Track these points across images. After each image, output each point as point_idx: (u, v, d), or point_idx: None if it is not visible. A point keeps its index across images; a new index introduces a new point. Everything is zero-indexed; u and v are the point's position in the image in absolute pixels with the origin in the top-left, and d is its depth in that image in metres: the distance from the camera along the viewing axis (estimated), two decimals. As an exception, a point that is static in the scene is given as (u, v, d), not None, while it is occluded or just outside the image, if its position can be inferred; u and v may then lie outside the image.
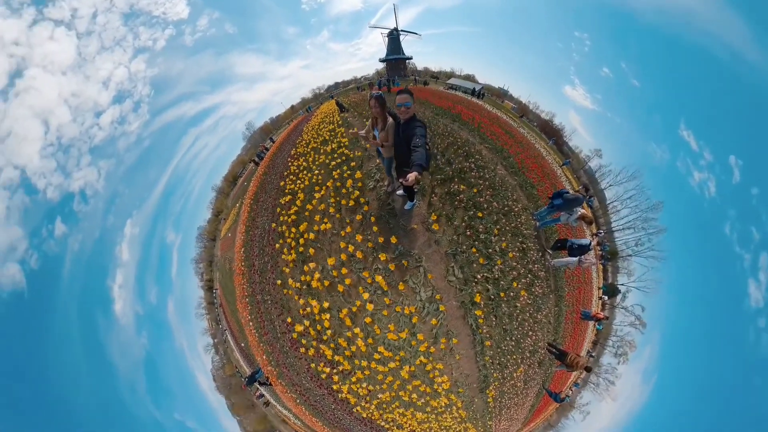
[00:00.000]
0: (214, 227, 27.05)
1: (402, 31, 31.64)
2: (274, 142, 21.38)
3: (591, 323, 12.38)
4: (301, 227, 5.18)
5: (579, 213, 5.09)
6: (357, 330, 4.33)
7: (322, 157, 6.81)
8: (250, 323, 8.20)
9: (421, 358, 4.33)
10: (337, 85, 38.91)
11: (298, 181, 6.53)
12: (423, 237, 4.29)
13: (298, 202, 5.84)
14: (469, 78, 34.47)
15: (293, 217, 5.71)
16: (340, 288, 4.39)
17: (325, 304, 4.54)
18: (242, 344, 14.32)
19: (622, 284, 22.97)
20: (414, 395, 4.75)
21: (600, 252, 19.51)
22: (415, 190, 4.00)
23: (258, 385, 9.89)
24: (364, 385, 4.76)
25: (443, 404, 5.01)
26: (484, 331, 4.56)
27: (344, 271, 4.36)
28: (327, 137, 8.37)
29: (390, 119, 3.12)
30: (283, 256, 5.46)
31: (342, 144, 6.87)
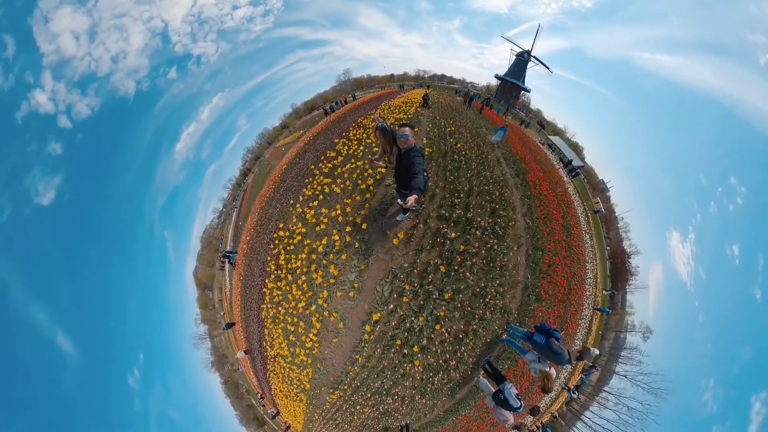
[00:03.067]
0: (276, 135, 31.40)
1: (534, 58, 28.31)
2: (355, 98, 22.98)
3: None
4: (326, 180, 6.81)
5: (546, 369, 4.03)
6: (304, 256, 5.96)
7: (374, 138, 8.12)
8: (257, 213, 10.76)
9: (315, 308, 5.35)
10: (442, 77, 37.51)
11: (347, 147, 8.02)
12: (387, 243, 4.96)
13: (335, 162, 7.41)
14: (576, 148, 28.49)
15: (327, 170, 7.33)
16: (318, 228, 6.02)
17: (303, 230, 6.28)
18: (240, 223, 18.05)
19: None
20: (292, 329, 5.88)
21: (538, 429, 13.51)
22: (413, 208, 4.81)
23: (228, 262, 13.42)
24: (280, 294, 6.21)
25: (301, 360, 5.76)
26: (366, 349, 4.90)
27: (326, 220, 5.94)
28: (389, 123, 9.50)
29: (396, 147, 3.36)
30: (304, 189, 7.27)
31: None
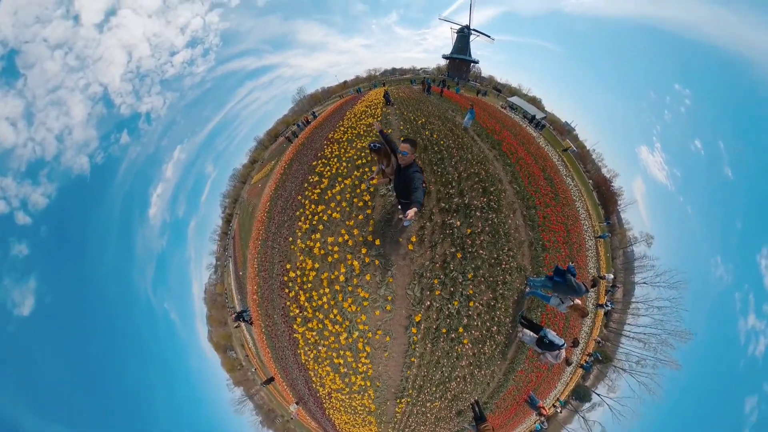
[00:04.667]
0: (247, 172, 30.26)
1: (474, 30, 28.97)
2: (316, 116, 22.25)
3: (534, 414, 10.30)
4: (320, 207, 6.44)
5: (572, 303, 4.71)
6: (327, 290, 5.64)
7: (351, 152, 7.83)
8: (255, 259, 10.14)
9: (358, 334, 5.26)
10: (394, 71, 38.02)
11: (328, 167, 7.66)
12: (402, 250, 5.05)
13: (322, 186, 7.03)
14: (534, 102, 30.22)
15: (315, 196, 6.95)
16: (330, 259, 5.71)
17: (316, 265, 5.91)
18: (240, 273, 16.61)
19: (598, 394, 18.91)
20: (340, 361, 5.68)
21: (589, 357, 15.76)
22: (411, 221, 4.89)
23: (243, 321, 12.31)
24: (314, 334, 5.89)
25: (359, 385, 5.60)
26: (417, 349, 5.02)
27: (336, 249, 5.64)
28: (362, 132, 9.22)
29: (392, 160, 3.47)
30: (299, 223, 6.86)
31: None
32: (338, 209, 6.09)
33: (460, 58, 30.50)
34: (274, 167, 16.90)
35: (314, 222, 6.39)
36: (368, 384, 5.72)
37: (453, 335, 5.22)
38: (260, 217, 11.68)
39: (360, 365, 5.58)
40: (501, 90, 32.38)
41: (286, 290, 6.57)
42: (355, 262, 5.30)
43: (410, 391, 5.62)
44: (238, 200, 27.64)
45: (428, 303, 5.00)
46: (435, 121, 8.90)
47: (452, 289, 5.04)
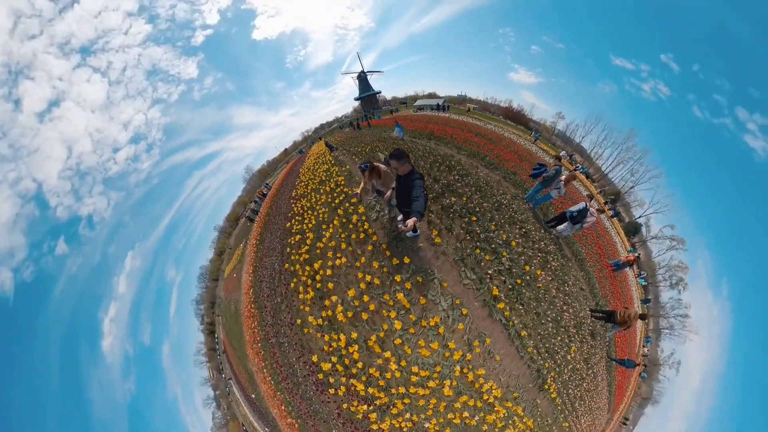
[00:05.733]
0: (217, 267, 26.41)
1: (368, 71, 37.02)
2: (270, 187, 22.02)
3: (631, 275, 11.74)
4: (316, 265, 5.53)
5: (563, 180, 5.59)
6: (388, 354, 4.26)
7: (323, 196, 7.36)
8: (264, 370, 7.80)
9: (458, 368, 4.17)
10: (322, 126, 43.45)
11: (305, 222, 6.97)
12: (430, 252, 4.51)
13: (308, 242, 6.25)
14: (432, 96, 39.15)
15: (305, 256, 6.05)
16: (364, 316, 4.52)
17: (353, 335, 4.55)
18: (252, 395, 13.14)
19: (639, 217, 22.17)
20: (465, 414, 4.21)
21: (604, 202, 18.76)
22: (417, 232, 4.56)
23: None
24: (407, 416, 4.23)
25: (501, 416, 4.41)
26: (515, 322, 4.45)
27: (365, 298, 4.51)
28: (323, 177, 8.96)
29: (382, 167, 3.69)
30: (300, 296, 5.64)
31: (339, 183, 7.49)
32: (339, 255, 5.31)
33: (366, 95, 37.94)
34: (244, 250, 15.17)
35: (318, 285, 5.34)
36: (509, 406, 4.53)
37: (527, 278, 4.99)
38: (248, 312, 9.79)
39: (486, 397, 4.33)
40: (406, 102, 40.15)
41: (331, 390, 4.85)
42: (399, 296, 4.28)
43: (546, 365, 4.91)
44: (216, 302, 23.37)
45: (488, 274, 4.56)
46: (378, 144, 10.03)
47: (493, 246, 4.88)
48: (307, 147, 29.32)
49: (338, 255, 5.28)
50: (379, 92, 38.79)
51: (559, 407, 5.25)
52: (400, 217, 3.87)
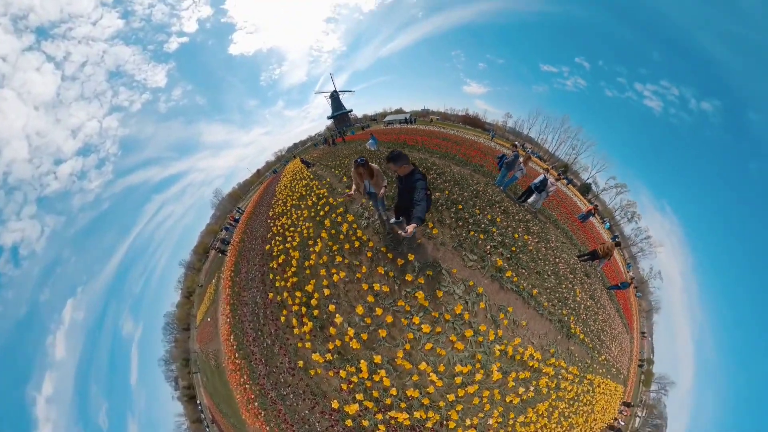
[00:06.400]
0: (186, 312, 21.33)
1: (340, 91, 38.59)
2: (242, 211, 20.11)
3: (596, 223, 15.74)
4: (308, 287, 4.55)
5: (522, 162, 6.87)
6: (423, 365, 3.58)
7: (305, 212, 6.52)
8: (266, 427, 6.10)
9: (496, 347, 4.02)
10: (296, 145, 42.85)
11: (288, 241, 6.01)
12: (430, 245, 4.42)
13: (293, 262, 5.27)
14: (399, 111, 42.59)
15: (293, 279, 5.05)
16: (382, 333, 3.71)
17: (376, 359, 3.67)
18: None
19: (588, 179, 30.91)
20: (521, 390, 4.08)
21: (558, 174, 24.64)
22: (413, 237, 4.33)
23: None
24: (467, 423, 3.72)
25: (551, 375, 4.54)
26: (524, 285, 4.78)
27: (378, 311, 3.77)
28: (303, 192, 8.20)
29: (374, 166, 3.50)
30: (295, 330, 4.57)
31: (322, 196, 6.76)
32: (335, 270, 4.39)
33: (339, 113, 39.48)
34: (217, 286, 13.04)
35: (315, 312, 4.35)
36: (552, 363, 4.65)
37: (519, 245, 5.50)
38: (232, 365, 7.96)
39: (531, 363, 4.28)
40: (376, 119, 43.11)
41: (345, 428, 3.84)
42: (419, 294, 3.79)
43: (563, 313, 5.35)
44: (191, 359, 18.78)
45: (487, 251, 4.78)
46: (354, 156, 11.56)
47: (482, 227, 5.19)
48: (281, 167, 28.12)
49: (333, 271, 4.40)
50: (351, 110, 40.38)
51: (590, 345, 5.86)
52: (392, 219, 3.59)
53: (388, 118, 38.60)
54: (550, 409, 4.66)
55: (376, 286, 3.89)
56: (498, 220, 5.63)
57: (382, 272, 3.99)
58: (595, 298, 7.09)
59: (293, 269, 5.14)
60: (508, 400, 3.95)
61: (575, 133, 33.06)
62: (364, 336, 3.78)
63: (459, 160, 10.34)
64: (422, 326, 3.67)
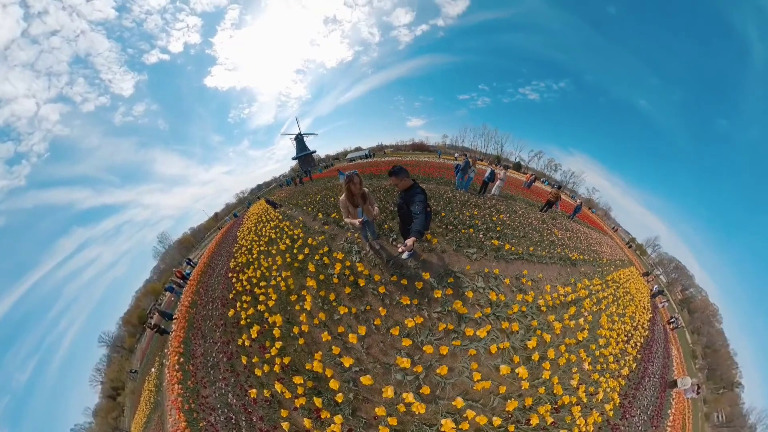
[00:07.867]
0: (111, 427, 12.38)
1: (304, 134, 41.11)
2: (194, 264, 15.82)
3: (537, 184, 21.82)
4: (311, 365, 3.09)
5: (472, 168, 8.65)
6: (503, 370, 2.91)
7: (278, 258, 5.25)
8: None
9: (552, 316, 4.06)
10: (259, 187, 41.12)
11: (259, 302, 4.54)
12: (434, 256, 4.34)
13: (275, 332, 3.82)
14: (359, 149, 46.95)
15: (284, 360, 3.47)
16: (442, 371, 2.78)
17: (458, 404, 2.53)
18: None
19: (516, 159, 43.44)
20: (581, 322, 4.46)
21: (501, 167, 32.52)
22: (413, 252, 4.09)
23: None
24: (573, 384, 3.43)
25: (587, 296, 5.31)
26: (521, 250, 5.33)
27: (428, 349, 2.86)
28: (273, 236, 6.92)
29: (365, 190, 3.22)
30: (296, 402, 3.10)
31: (296, 237, 5.66)
32: (343, 328, 3.19)
33: (303, 154, 41.19)
34: (161, 380, 8.29)
35: (339, 397, 2.94)
36: (601, 297, 5.46)
37: (499, 223, 6.31)
38: None
39: (595, 310, 4.97)
40: (339, 158, 46.41)
41: None
42: (457, 304, 3.31)
43: (558, 252, 6.23)
44: None
45: (480, 238, 5.15)
46: (326, 192, 10.25)
47: (466, 223, 5.68)
48: (242, 210, 24.33)
49: (340, 329, 3.19)
50: (314, 151, 42.48)
51: (591, 259, 7.19)
52: (405, 255, 3.38)
53: (350, 155, 41.42)
54: (609, 320, 5.26)
55: (408, 323, 3.03)
56: (475, 213, 6.43)
57: (408, 302, 3.26)
58: (569, 229, 9.11)
59: (279, 344, 3.64)
60: (580, 338, 4.09)
61: (495, 134, 45.06)
62: (426, 390, 2.54)
63: (423, 178, 11.55)
64: (477, 333, 3.21)
